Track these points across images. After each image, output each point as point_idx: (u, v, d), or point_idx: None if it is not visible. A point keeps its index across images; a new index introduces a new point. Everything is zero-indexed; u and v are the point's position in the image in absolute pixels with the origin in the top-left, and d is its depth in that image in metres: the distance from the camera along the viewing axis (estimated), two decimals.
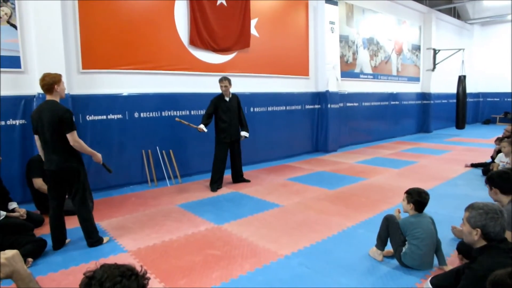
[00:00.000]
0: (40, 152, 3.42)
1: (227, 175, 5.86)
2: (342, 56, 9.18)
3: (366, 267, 2.91)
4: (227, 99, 5.55)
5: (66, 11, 4.96)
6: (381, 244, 3.00)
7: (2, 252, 1.41)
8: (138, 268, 1.15)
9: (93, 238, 3.46)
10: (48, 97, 3.28)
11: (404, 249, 2.81)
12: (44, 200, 3.98)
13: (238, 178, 5.90)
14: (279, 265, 2.97)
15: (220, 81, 5.46)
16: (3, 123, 4.54)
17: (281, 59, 7.83)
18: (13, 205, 3.83)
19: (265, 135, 7.59)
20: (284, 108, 7.99)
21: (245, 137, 5.71)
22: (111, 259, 3.14)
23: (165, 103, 6.09)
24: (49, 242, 3.37)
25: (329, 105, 8.52)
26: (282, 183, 5.83)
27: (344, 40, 9.23)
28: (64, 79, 4.65)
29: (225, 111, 5.49)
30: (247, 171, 6.48)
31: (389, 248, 3.00)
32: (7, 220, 3.47)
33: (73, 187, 3.40)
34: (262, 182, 5.93)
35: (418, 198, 2.81)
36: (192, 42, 6.33)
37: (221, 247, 3.35)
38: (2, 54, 4.45)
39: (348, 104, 9.41)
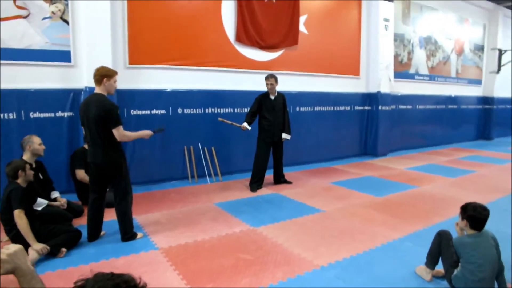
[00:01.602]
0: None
1: (269, 176, 5.67)
2: (396, 56, 8.62)
3: (411, 286, 2.57)
4: (272, 97, 5.36)
5: (115, 7, 5.05)
6: (431, 262, 2.64)
7: (5, 247, 1.34)
8: (137, 280, 0.99)
9: (128, 233, 3.44)
10: (97, 89, 3.29)
11: (456, 271, 2.42)
12: (85, 191, 4.03)
13: (279, 179, 5.69)
14: (314, 276, 2.73)
15: (266, 78, 5.29)
16: (52, 114, 4.72)
17: (330, 57, 7.50)
18: (55, 194, 3.94)
19: (311, 136, 7.31)
20: (331, 108, 7.64)
21: (286, 139, 5.47)
22: (142, 256, 3.08)
23: (209, 99, 6.03)
24: (85, 233, 3.41)
25: (380, 107, 8.02)
26: (325, 186, 5.53)
27: (398, 39, 8.66)
28: None
29: (270, 110, 5.31)
30: (290, 172, 6.25)
31: (440, 267, 2.64)
32: (48, 209, 3.56)
33: (115, 181, 3.40)
34: (304, 184, 5.67)
35: (473, 214, 2.39)
36: (238, 39, 6.22)
37: (254, 251, 3.17)
38: (54, 48, 4.62)
39: (401, 107, 8.81)
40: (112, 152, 3.31)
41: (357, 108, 8.04)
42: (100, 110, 3.14)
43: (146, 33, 5.35)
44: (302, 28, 6.98)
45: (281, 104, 5.41)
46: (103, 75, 3.25)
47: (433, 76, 9.68)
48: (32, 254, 2.88)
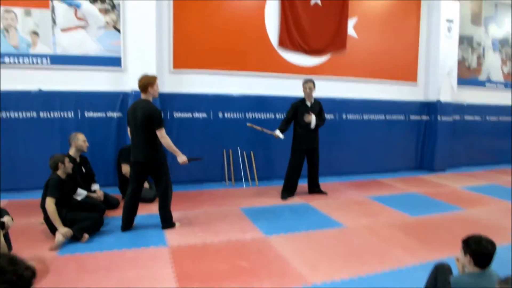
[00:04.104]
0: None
1: (305, 184, 5.62)
2: (462, 60, 7.84)
3: None
4: (309, 103, 5.29)
5: (162, 16, 5.46)
6: None
7: None
8: (23, 270, 1.13)
9: (167, 222, 3.91)
10: (142, 96, 3.70)
11: None
12: (126, 185, 4.44)
13: (314, 189, 5.58)
14: None
15: (305, 82, 5.21)
16: (103, 114, 5.26)
17: (383, 62, 7.12)
18: (95, 186, 4.40)
19: (358, 146, 7.01)
20: (383, 117, 7.25)
21: (310, 121, 5.13)
22: (150, 250, 3.33)
23: (250, 104, 6.16)
24: (118, 224, 3.81)
25: (439, 117, 7.38)
26: (360, 200, 5.31)
27: (466, 41, 7.85)
28: None
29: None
30: (329, 183, 6.11)
31: None
32: (86, 200, 4.02)
33: (157, 178, 3.81)
34: (339, 196, 5.51)
35: (476, 248, 2.13)
36: (281, 43, 6.25)
37: (253, 259, 3.22)
38: (106, 54, 5.16)
39: (467, 118, 7.99)
40: (153, 152, 3.70)
41: (413, 117, 7.51)
42: (146, 114, 3.56)
43: (191, 39, 5.67)
44: (351, 31, 6.74)
45: (317, 111, 5.32)
46: (146, 84, 3.66)
47: (509, 83, 8.60)
48: (58, 236, 3.29)
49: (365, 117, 7.09)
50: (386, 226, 4.19)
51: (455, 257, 2.38)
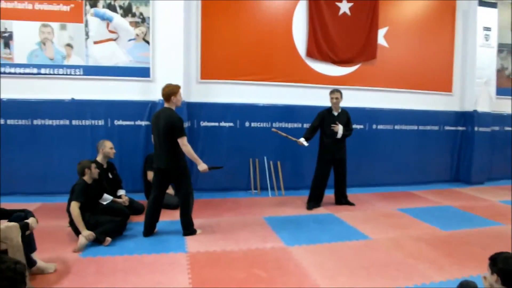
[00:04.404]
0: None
1: (332, 195, 5.48)
2: (502, 69, 7.43)
3: None
4: (336, 113, 5.20)
5: (190, 29, 5.63)
6: None
7: (2, 220, 1.73)
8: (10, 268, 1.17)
9: (188, 229, 3.92)
10: (166, 105, 3.80)
11: None
12: None
13: (341, 200, 5.43)
14: None
15: (331, 92, 5.16)
16: (132, 123, 5.43)
17: (415, 71, 6.89)
18: (120, 192, 4.52)
19: (389, 156, 6.78)
20: (415, 127, 6.98)
21: (337, 130, 5.05)
22: (169, 256, 3.35)
23: (277, 114, 6.15)
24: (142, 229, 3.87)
25: (476, 128, 7.00)
26: (389, 212, 5.09)
27: (506, 50, 7.45)
28: (183, 88, 5.29)
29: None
30: (358, 194, 5.95)
31: None
32: (111, 205, 4.13)
33: (178, 185, 3.88)
34: (367, 208, 5.32)
35: (504, 267, 1.96)
36: (309, 54, 6.22)
37: (271, 269, 3.15)
38: (136, 65, 5.35)
39: (507, 128, 7.54)
40: (175, 159, 3.75)
41: (447, 128, 7.17)
42: (168, 122, 3.63)
43: (218, 50, 5.78)
44: (381, 41, 6.60)
45: (344, 121, 5.20)
46: (170, 93, 3.75)
47: None
48: (81, 239, 3.39)
49: (397, 127, 6.86)
50: (414, 240, 3.97)
51: (481, 276, 2.20)
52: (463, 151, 7.22)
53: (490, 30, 6.95)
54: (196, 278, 2.92)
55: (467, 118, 7.16)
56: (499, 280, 1.99)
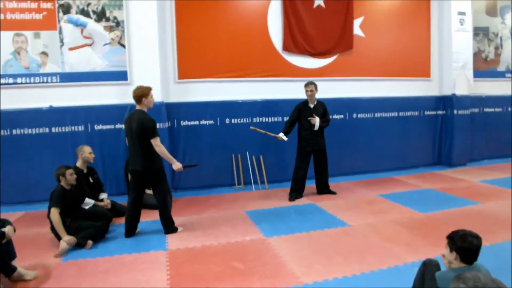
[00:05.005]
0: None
1: (313, 185, 5.57)
2: (478, 53, 7.54)
3: None
4: (312, 105, 5.27)
5: (165, 30, 5.66)
6: None
7: None
8: None
9: (169, 228, 3.97)
10: (138, 107, 3.83)
11: None
12: None
13: (322, 190, 5.52)
14: None
15: (306, 85, 5.22)
16: (112, 126, 5.46)
17: (393, 59, 6.98)
18: (102, 195, 4.56)
19: (371, 144, 6.87)
20: (396, 114, 7.07)
21: (314, 123, 5.12)
22: (150, 255, 3.41)
23: (257, 109, 6.19)
24: (123, 230, 3.92)
25: (455, 111, 7.11)
26: (370, 199, 5.19)
27: (482, 33, 7.55)
28: (159, 89, 5.34)
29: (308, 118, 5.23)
30: (341, 183, 6.05)
31: None
32: (93, 209, 4.17)
33: (155, 186, 3.89)
34: (349, 195, 5.41)
35: (462, 244, 2.03)
36: (286, 48, 6.27)
37: (249, 261, 3.22)
38: (113, 69, 5.37)
39: (487, 110, 7.65)
40: (150, 160, 3.78)
41: (428, 113, 7.28)
42: (140, 124, 3.66)
43: (194, 50, 5.82)
44: (357, 31, 6.67)
45: (320, 112, 5.28)
46: (141, 95, 3.76)
47: None
48: (62, 244, 3.43)
49: (377, 115, 6.95)
50: (392, 224, 4.07)
51: (441, 254, 2.27)
52: (444, 134, 7.34)
53: (464, 15, 7.04)
54: (175, 275, 2.99)
55: (446, 102, 7.27)
56: (458, 257, 2.06)
